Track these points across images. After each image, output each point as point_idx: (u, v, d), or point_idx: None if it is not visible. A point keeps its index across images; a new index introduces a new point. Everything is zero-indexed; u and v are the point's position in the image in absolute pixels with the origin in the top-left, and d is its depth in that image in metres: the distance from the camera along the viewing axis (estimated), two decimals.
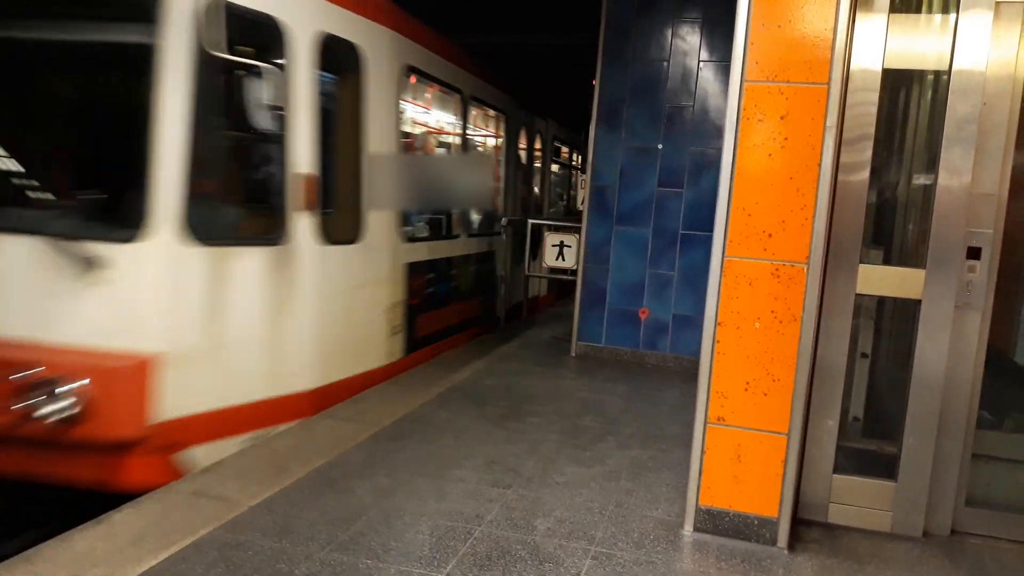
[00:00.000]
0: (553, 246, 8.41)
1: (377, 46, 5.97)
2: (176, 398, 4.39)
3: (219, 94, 4.53)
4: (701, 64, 7.18)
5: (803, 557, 3.54)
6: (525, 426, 5.25)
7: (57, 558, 3.16)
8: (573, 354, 7.68)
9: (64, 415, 4.04)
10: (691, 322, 7.27)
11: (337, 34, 5.45)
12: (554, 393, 6.20)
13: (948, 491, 3.83)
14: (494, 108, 9.56)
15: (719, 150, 6.88)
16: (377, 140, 6.02)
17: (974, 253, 3.70)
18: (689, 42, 7.21)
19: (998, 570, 3.55)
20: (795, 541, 3.64)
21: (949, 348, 3.70)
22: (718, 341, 3.56)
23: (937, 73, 3.93)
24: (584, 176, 7.81)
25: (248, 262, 4.78)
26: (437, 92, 8.13)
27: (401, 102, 6.60)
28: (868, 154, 3.70)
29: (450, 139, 8.89)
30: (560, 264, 8.42)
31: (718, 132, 7.08)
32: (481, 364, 7.08)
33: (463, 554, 3.36)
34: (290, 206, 4.99)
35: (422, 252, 7.11)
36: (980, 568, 3.56)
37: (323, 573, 3.13)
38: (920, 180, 4.08)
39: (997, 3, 3.55)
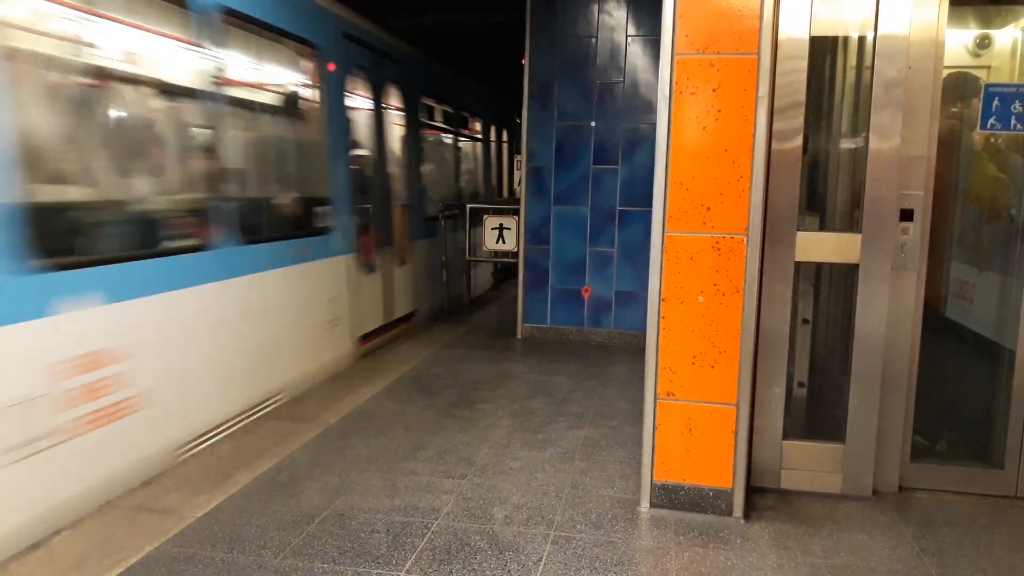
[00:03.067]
0: (493, 229, 8.34)
1: None
2: None
3: None
4: (629, 39, 7.16)
5: (759, 525, 3.58)
6: (475, 413, 5.21)
7: None
8: (519, 336, 7.65)
9: None
10: (633, 298, 7.30)
11: None
12: (502, 377, 6.16)
13: (894, 449, 3.91)
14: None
15: (652, 125, 7.05)
16: None
17: (907, 215, 3.76)
18: (616, 17, 7.19)
19: (945, 522, 3.64)
20: (750, 510, 3.68)
21: (888, 310, 3.77)
22: (663, 317, 3.56)
23: (862, 39, 3.98)
24: (519, 157, 7.73)
25: None
26: None
27: None
28: (800, 121, 3.72)
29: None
30: (501, 247, 8.37)
31: (650, 107, 7.09)
32: (427, 353, 7.00)
33: (421, 549, 3.31)
34: None
35: None
36: (928, 521, 3.65)
37: None
38: (851, 145, 4.13)
39: None
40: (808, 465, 3.95)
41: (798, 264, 3.83)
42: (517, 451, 4.49)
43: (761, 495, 3.89)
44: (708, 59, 3.43)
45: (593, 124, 7.28)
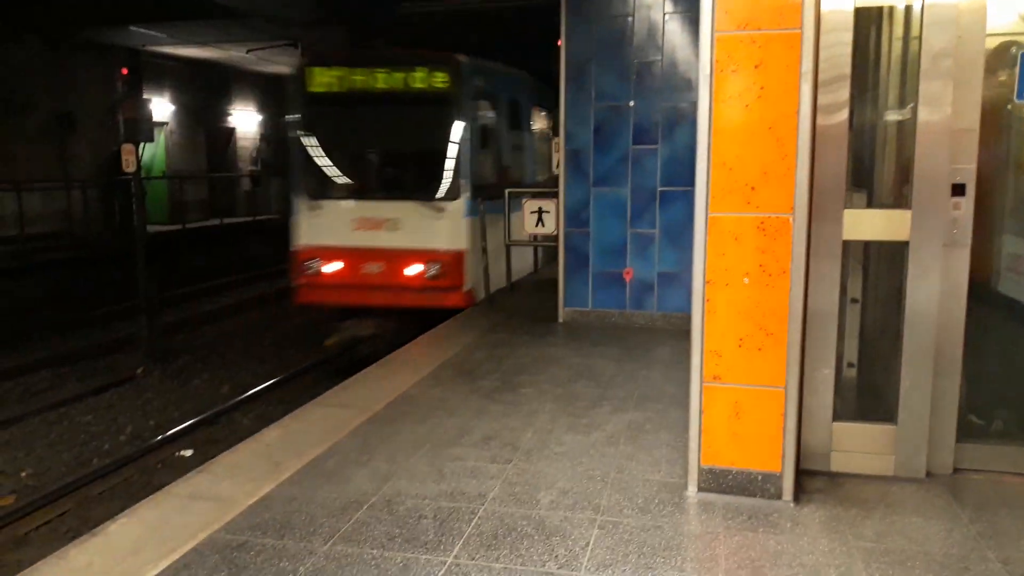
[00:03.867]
0: (532, 213, 8.31)
1: None
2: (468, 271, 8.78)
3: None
4: (667, 16, 7.06)
5: (809, 508, 3.53)
6: (519, 397, 5.21)
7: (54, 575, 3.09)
8: (560, 320, 7.63)
9: (436, 275, 8.53)
10: (676, 279, 7.23)
11: None
12: (545, 361, 6.16)
13: (948, 430, 3.82)
14: None
15: (692, 103, 6.95)
16: None
17: (958, 190, 3.66)
18: None
19: (1002, 504, 3.56)
20: (800, 493, 3.63)
21: (939, 287, 3.68)
22: (708, 300, 3.51)
23: (909, 8, 3.87)
24: (556, 139, 7.69)
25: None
26: None
27: None
28: (845, 96, 3.64)
29: None
30: (540, 231, 8.34)
31: (689, 85, 6.99)
32: (469, 339, 7.03)
33: (468, 535, 3.32)
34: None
35: None
36: (984, 504, 3.56)
37: (328, 568, 3.08)
38: (898, 119, 4.03)
39: None
40: (859, 447, 3.89)
41: (846, 242, 3.75)
42: (561, 436, 4.49)
43: (810, 478, 3.84)
44: (749, 35, 3.36)
45: (631, 104, 7.20)
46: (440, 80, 9.05)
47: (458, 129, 9.09)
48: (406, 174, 9.94)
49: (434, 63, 9.06)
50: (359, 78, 9.31)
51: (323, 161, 9.59)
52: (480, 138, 9.41)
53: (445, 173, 9.07)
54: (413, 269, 8.53)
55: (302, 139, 9.54)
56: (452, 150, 9.11)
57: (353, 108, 9.48)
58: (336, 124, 9.64)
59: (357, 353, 9.18)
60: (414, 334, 7.46)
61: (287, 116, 9.77)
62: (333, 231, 9.11)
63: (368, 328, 9.35)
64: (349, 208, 9.18)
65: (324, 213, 9.21)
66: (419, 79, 9.10)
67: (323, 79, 9.34)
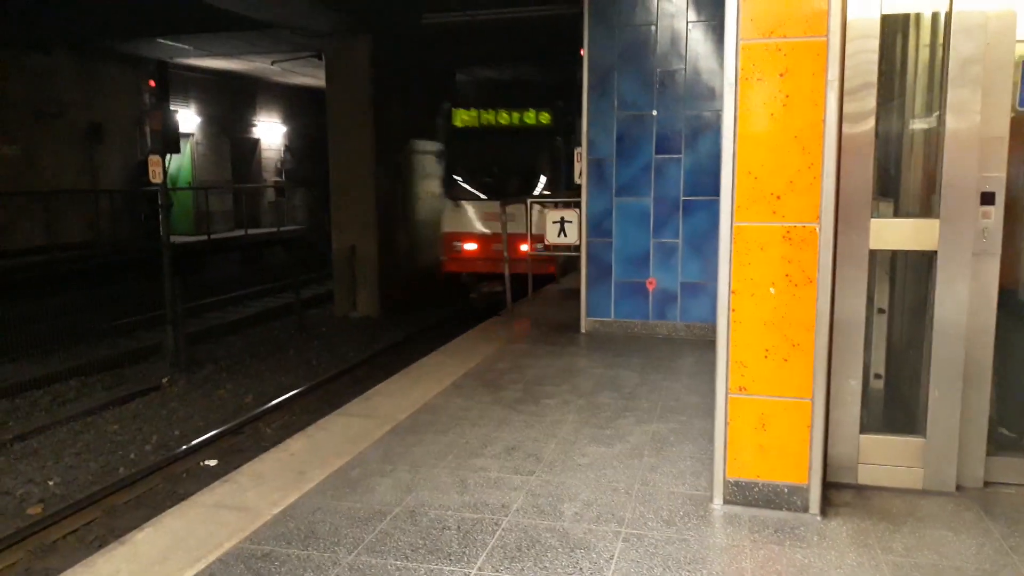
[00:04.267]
0: (554, 223, 8.30)
1: None
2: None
3: None
4: (690, 25, 7.04)
5: (837, 522, 3.48)
6: (541, 408, 5.19)
7: None
8: (583, 331, 7.61)
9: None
10: (700, 289, 7.19)
11: None
12: (568, 372, 6.14)
13: (978, 442, 3.76)
14: None
15: (715, 112, 6.92)
16: None
17: (988, 198, 3.61)
18: (675, 3, 7.07)
19: None
20: (827, 506, 3.59)
21: (968, 297, 3.62)
22: (733, 310, 3.48)
23: (936, 15, 3.83)
24: (579, 149, 7.68)
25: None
26: None
27: None
28: (871, 104, 3.60)
29: None
30: (562, 241, 8.33)
31: (713, 94, 6.97)
32: (491, 349, 7.02)
33: (492, 547, 3.31)
34: None
35: None
36: (1017, 518, 3.50)
37: None
38: (926, 127, 3.98)
39: None
40: (887, 460, 3.83)
41: (872, 252, 3.71)
42: (585, 447, 4.47)
43: (838, 491, 3.79)
44: (775, 44, 3.34)
45: (654, 113, 7.18)
46: (545, 118, 13.81)
47: (554, 152, 13.68)
48: (519, 182, 13.76)
49: (541, 106, 13.84)
50: (487, 115, 14.09)
51: (462, 174, 14.40)
52: (565, 157, 12.68)
53: (543, 180, 13.94)
54: (523, 248, 10.02)
55: (449, 158, 14.62)
56: (548, 165, 13.87)
57: (483, 137, 14.09)
58: (471, 148, 14.20)
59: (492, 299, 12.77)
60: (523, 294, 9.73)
61: (440, 142, 14.94)
62: (469, 222, 13.84)
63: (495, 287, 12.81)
64: (480, 205, 13.78)
65: (463, 209, 13.85)
66: (530, 117, 13.85)
67: (463, 116, 14.14)
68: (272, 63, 18.09)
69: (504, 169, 14.10)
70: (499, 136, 13.90)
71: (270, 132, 22.95)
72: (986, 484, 3.79)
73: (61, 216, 15.33)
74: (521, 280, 9.76)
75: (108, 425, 8.66)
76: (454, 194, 14.24)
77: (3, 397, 9.40)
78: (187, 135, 18.76)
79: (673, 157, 7.15)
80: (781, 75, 3.34)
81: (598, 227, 7.47)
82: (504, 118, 13.99)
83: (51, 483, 7.09)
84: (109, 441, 8.19)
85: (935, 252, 3.63)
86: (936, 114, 3.73)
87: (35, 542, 5.97)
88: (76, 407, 9.24)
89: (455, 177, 14.38)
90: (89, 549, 5.57)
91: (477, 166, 14.33)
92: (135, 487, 7.00)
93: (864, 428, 3.82)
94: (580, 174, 7.59)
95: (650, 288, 7.37)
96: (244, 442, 8.22)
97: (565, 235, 8.28)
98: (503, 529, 3.47)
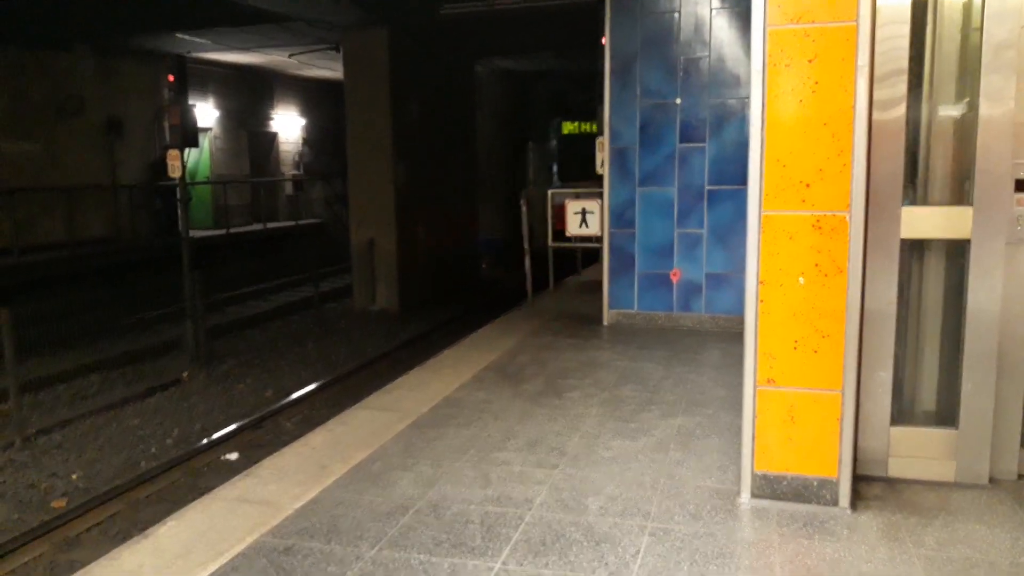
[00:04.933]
0: (575, 214, 8.24)
1: None
2: None
3: None
4: (714, 11, 6.94)
5: (867, 515, 3.42)
6: (564, 402, 5.15)
7: None
8: (605, 323, 7.55)
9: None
10: (725, 280, 7.10)
11: None
12: (591, 364, 6.09)
13: (1012, 434, 3.68)
14: None
15: (740, 100, 6.84)
16: None
17: (1022, 186, 3.52)
18: None
19: None
20: (857, 499, 3.52)
21: (1002, 286, 3.54)
22: (762, 301, 3.42)
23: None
24: (601, 138, 7.59)
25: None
26: None
27: None
28: (902, 90, 3.53)
29: None
30: (584, 232, 8.25)
31: (737, 81, 6.87)
32: (512, 342, 6.98)
33: (516, 541, 3.27)
34: None
35: None
36: None
37: (376, 573, 3.05)
38: (958, 113, 3.89)
39: None
40: (918, 452, 3.76)
41: (904, 241, 3.63)
42: (609, 440, 4.42)
43: (868, 484, 3.72)
44: (803, 29, 3.27)
45: (678, 101, 7.09)
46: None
47: None
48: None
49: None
50: (585, 126, 20.96)
51: (566, 168, 21.48)
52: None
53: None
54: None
55: (557, 156, 22.29)
56: None
57: (582, 141, 19.34)
58: (574, 148, 20.62)
59: None
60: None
61: (551, 143, 22.78)
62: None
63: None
64: (577, 185, 14.17)
65: (563, 192, 15.00)
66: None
67: (568, 126, 22.00)
68: (289, 56, 18.08)
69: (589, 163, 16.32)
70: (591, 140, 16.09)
71: (288, 125, 22.98)
72: (1020, 477, 3.72)
73: (82, 212, 15.41)
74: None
75: (129, 419, 8.69)
76: (564, 176, 21.02)
77: (27, 392, 9.46)
78: (205, 129, 18.82)
79: (697, 146, 7.06)
80: (810, 61, 3.27)
81: (620, 217, 7.40)
82: (586, 127, 21.11)
83: (74, 476, 7.12)
84: (131, 435, 8.22)
85: (968, 241, 3.54)
86: (968, 100, 3.65)
87: (60, 535, 6.00)
88: (98, 401, 9.28)
89: (560, 169, 21.88)
90: (112, 542, 5.58)
91: (574, 161, 20.29)
92: (157, 481, 7.01)
93: (895, 420, 3.75)
94: (602, 164, 7.51)
95: (674, 279, 7.30)
96: (264, 436, 8.22)
97: (587, 226, 8.21)
98: (527, 523, 3.43)
